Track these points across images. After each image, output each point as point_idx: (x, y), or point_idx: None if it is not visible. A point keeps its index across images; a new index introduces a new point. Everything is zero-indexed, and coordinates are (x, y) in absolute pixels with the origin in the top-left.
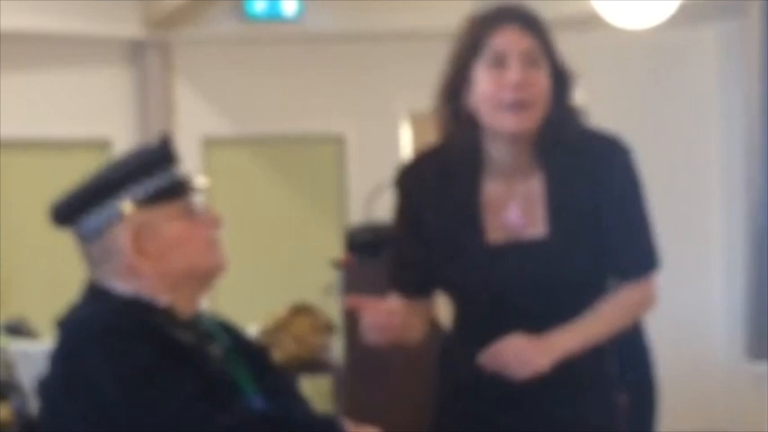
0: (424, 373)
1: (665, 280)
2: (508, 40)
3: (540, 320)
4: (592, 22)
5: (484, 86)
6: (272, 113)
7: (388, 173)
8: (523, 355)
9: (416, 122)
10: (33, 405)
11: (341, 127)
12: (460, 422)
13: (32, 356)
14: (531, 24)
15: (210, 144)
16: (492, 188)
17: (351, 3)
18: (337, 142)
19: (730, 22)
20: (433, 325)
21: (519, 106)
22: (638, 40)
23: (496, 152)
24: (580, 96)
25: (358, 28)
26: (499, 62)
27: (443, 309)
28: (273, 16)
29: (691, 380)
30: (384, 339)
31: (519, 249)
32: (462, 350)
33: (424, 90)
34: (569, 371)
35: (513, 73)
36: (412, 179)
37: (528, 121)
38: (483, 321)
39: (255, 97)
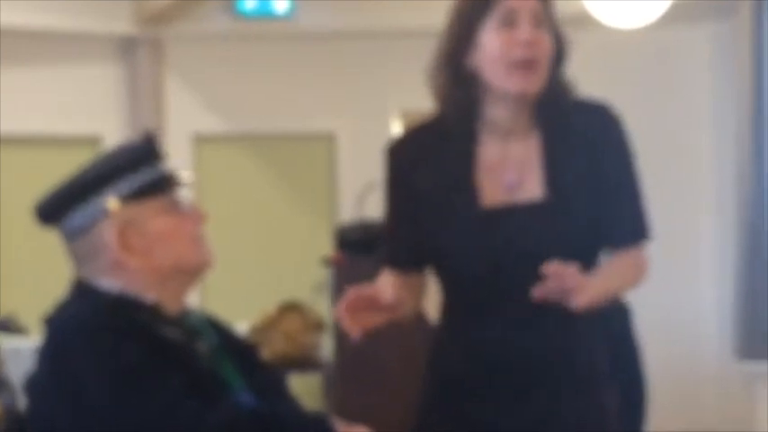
0: (415, 371)
1: (655, 279)
2: (517, 2)
3: (526, 302)
4: (583, 21)
5: (494, 45)
6: (263, 111)
7: (379, 171)
8: (582, 283)
9: (408, 120)
10: (22, 402)
11: (332, 125)
12: (448, 418)
13: (22, 353)
14: None
15: (201, 141)
16: (488, 151)
17: (343, 0)
18: (328, 140)
19: (722, 21)
20: (422, 320)
21: (528, 65)
22: (629, 40)
23: (496, 114)
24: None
25: (350, 26)
26: (510, 21)
27: (431, 303)
28: (265, 13)
29: (681, 379)
30: (376, 322)
31: (515, 212)
32: (451, 343)
33: (416, 88)
34: (559, 367)
35: (524, 32)
36: (403, 151)
37: (535, 82)
38: (475, 303)
39: (247, 94)
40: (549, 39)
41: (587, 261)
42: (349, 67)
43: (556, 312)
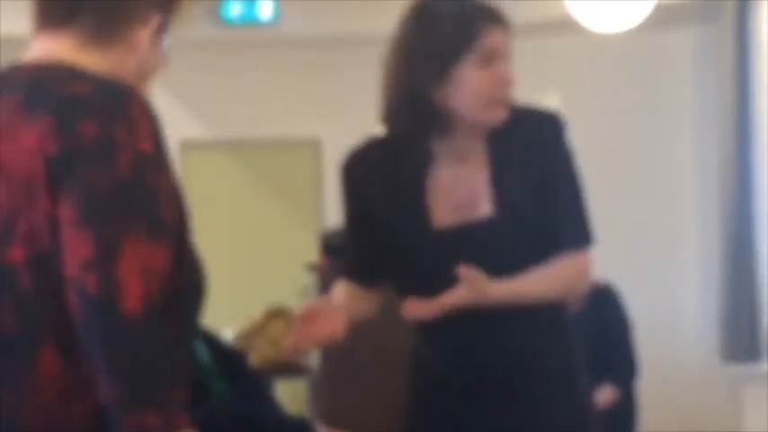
0: (400, 377)
1: (640, 284)
2: (498, 40)
3: (494, 308)
4: (566, 25)
5: (476, 83)
6: (248, 117)
7: None
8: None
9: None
10: None
11: (317, 131)
12: (431, 423)
13: None
14: (508, 29)
15: (187, 148)
16: (440, 173)
17: (327, 6)
18: (314, 146)
19: (705, 24)
20: (406, 327)
21: (504, 102)
22: (612, 44)
23: (457, 142)
24: (554, 100)
25: (334, 32)
26: (489, 61)
27: None
28: (249, 20)
29: (665, 383)
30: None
31: (466, 231)
32: (426, 349)
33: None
34: (538, 370)
35: (506, 71)
36: (359, 166)
37: (506, 112)
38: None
39: (232, 101)
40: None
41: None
42: (334, 73)
43: (518, 319)
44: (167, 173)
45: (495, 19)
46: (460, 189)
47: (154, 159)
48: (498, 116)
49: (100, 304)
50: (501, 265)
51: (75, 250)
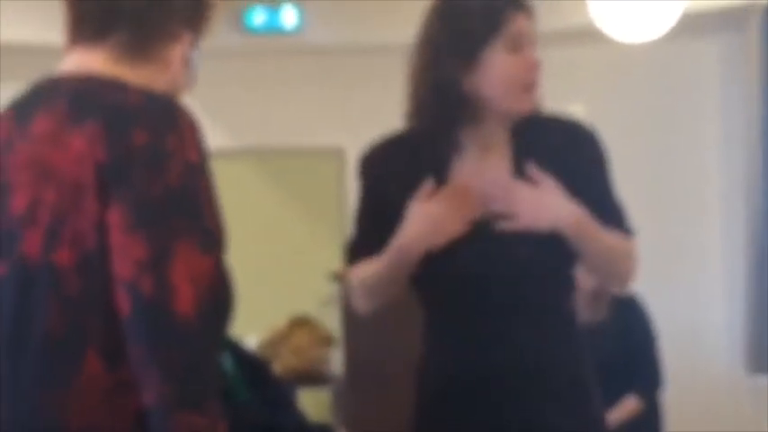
0: None
1: (665, 294)
2: (524, 25)
3: (504, 309)
4: (592, 35)
5: (505, 68)
6: (272, 126)
7: None
8: (538, 204)
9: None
10: None
11: (341, 140)
12: (438, 424)
13: None
14: (533, 15)
15: (211, 157)
16: (461, 168)
17: (351, 15)
18: (337, 155)
19: (731, 34)
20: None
21: (534, 87)
22: (637, 54)
23: (484, 131)
24: (580, 110)
25: (358, 40)
26: (517, 44)
27: None
28: (273, 29)
29: (691, 393)
30: None
31: (484, 230)
32: (434, 357)
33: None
34: (546, 375)
35: (533, 55)
36: (376, 162)
37: (535, 101)
38: (450, 317)
39: (255, 110)
40: None
41: (558, 275)
42: (358, 82)
43: (528, 322)
44: (211, 183)
45: (519, 5)
46: (483, 182)
47: (200, 169)
48: (527, 104)
49: (154, 305)
50: (522, 261)
51: (129, 253)
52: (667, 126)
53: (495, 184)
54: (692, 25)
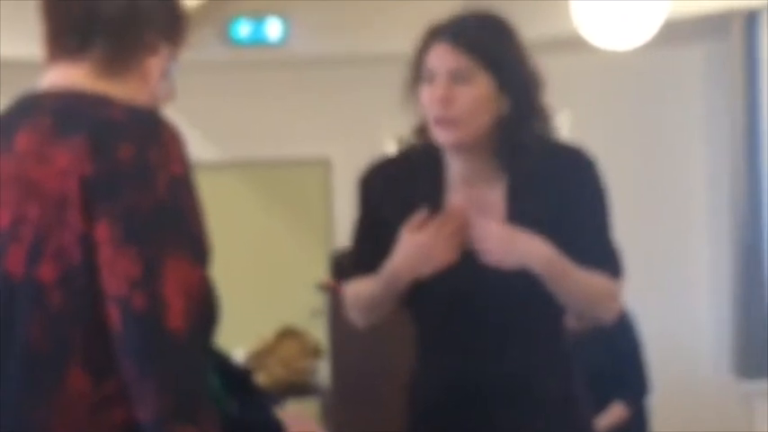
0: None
1: (652, 300)
2: (437, 58)
3: (494, 328)
4: (575, 43)
5: (423, 101)
6: (257, 137)
7: None
8: (506, 242)
9: (403, 146)
10: None
11: (327, 151)
12: None
13: None
14: (462, 42)
15: (197, 169)
16: (454, 198)
17: (336, 27)
18: (324, 166)
19: (714, 41)
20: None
21: (443, 122)
22: (621, 61)
23: (454, 163)
24: (565, 118)
25: (343, 52)
26: (431, 79)
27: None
28: (258, 41)
29: (678, 399)
30: None
31: (474, 258)
32: (423, 372)
33: (410, 113)
34: (536, 391)
35: (437, 89)
36: (376, 181)
37: (454, 136)
38: (439, 335)
39: (241, 121)
40: (472, 92)
41: (547, 300)
42: (343, 93)
43: (517, 340)
44: (195, 194)
45: (440, 38)
46: (475, 211)
47: (184, 181)
48: (441, 136)
49: (147, 321)
50: (514, 290)
51: (120, 269)
52: (652, 132)
53: (469, 221)
54: (675, 32)
